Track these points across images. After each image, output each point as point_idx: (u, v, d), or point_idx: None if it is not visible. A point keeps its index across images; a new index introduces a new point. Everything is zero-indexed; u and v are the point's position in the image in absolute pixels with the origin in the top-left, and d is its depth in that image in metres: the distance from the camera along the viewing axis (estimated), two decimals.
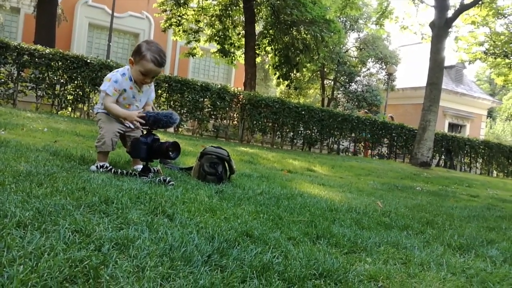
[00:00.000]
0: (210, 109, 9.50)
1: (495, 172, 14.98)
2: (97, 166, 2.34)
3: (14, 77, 7.63)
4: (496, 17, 13.41)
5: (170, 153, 2.36)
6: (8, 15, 17.01)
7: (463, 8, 10.36)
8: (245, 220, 1.60)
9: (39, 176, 1.81)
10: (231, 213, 1.71)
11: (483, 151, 14.50)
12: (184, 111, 9.12)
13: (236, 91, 9.83)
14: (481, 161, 14.71)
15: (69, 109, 8.22)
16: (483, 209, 3.39)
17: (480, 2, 10.81)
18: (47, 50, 7.68)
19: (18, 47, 7.47)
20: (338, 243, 1.55)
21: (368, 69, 24.61)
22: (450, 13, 10.19)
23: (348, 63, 22.25)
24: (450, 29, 10.75)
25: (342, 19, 21.57)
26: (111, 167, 2.36)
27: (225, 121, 9.99)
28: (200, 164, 2.69)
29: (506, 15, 13.62)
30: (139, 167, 2.52)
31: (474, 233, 2.13)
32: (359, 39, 24.49)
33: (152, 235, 1.23)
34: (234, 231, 1.41)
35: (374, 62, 24.20)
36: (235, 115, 10.06)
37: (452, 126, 24.67)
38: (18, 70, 7.62)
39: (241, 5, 14.43)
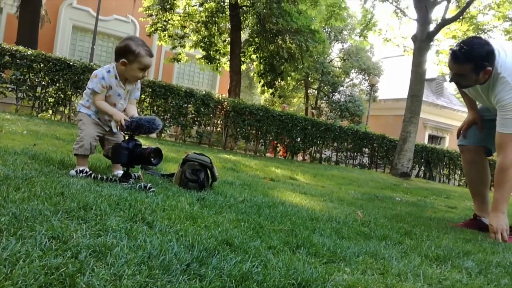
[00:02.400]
0: (193, 115, 9.47)
1: None
2: (76, 171, 2.30)
3: None
4: (476, 32, 13.77)
5: (152, 159, 2.35)
6: None
7: (444, 22, 10.62)
8: (226, 229, 1.60)
9: (16, 180, 1.78)
10: (212, 221, 1.70)
11: (461, 162, 14.78)
12: (168, 117, 9.07)
13: (220, 98, 9.84)
14: (459, 172, 14.99)
15: (50, 111, 8.08)
16: (460, 221, 3.45)
17: (461, 17, 11.08)
18: (29, 52, 7.56)
19: None
20: (317, 253, 1.56)
21: (351, 79, 24.95)
22: (432, 27, 10.44)
23: (332, 73, 22.50)
24: (431, 43, 11.00)
25: (326, 29, 21.85)
26: (91, 172, 2.33)
27: (208, 127, 9.97)
28: (182, 170, 2.67)
29: (486, 31, 14.01)
30: (120, 172, 2.50)
31: (451, 244, 2.16)
32: (343, 50, 24.83)
33: (131, 242, 1.22)
34: (214, 239, 1.41)
35: (357, 73, 24.55)
36: (218, 121, 10.05)
37: (432, 138, 25.12)
38: None
39: (228, 13, 14.49)
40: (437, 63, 15.95)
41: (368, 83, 23.01)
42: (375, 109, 23.60)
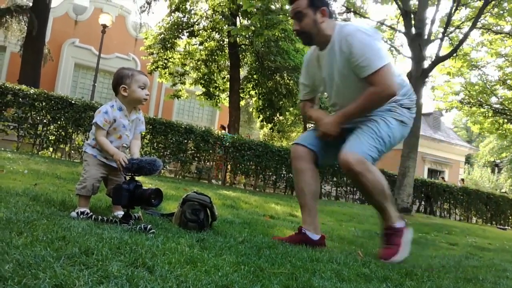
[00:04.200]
0: (193, 151, 9.54)
1: (474, 218, 15.18)
2: (77, 213, 2.32)
3: None
4: (470, 69, 14.09)
5: (153, 200, 2.36)
6: None
7: (438, 60, 10.87)
8: (226, 273, 1.60)
9: (19, 224, 1.79)
10: (212, 264, 1.71)
11: (461, 197, 14.74)
12: (167, 153, 9.13)
13: (220, 134, 9.93)
14: (460, 207, 14.93)
15: (51, 149, 8.14)
16: (462, 258, 3.43)
17: (454, 55, 11.37)
18: (32, 90, 7.70)
19: (2, 86, 7.48)
20: None
21: None
22: (426, 64, 10.68)
23: (329, 108, 22.75)
24: (426, 79, 11.23)
25: None
26: (91, 213, 2.35)
27: (208, 163, 10.01)
28: (182, 210, 2.68)
29: (479, 67, 14.35)
30: (120, 213, 2.51)
31: (452, 285, 2.16)
32: None
33: None
34: (215, 285, 1.42)
35: None
36: (218, 157, 10.10)
37: (431, 172, 25.13)
38: (1, 110, 7.58)
39: (227, 51, 14.86)
40: (433, 98, 16.20)
41: None
42: None
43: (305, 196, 2.83)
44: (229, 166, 9.93)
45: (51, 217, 2.09)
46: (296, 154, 2.80)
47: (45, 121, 7.91)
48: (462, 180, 20.46)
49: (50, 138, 8.05)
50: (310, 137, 2.79)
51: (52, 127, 8.02)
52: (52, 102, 7.80)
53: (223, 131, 12.25)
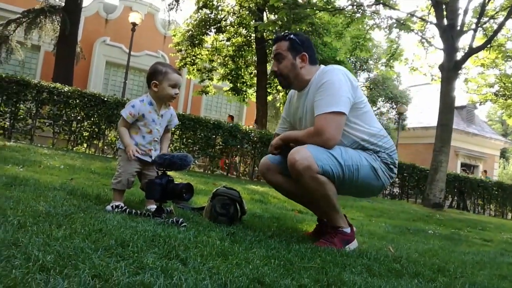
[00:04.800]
0: (221, 147, 9.62)
1: (510, 214, 14.69)
2: (112, 206, 2.40)
3: (32, 114, 7.87)
4: (505, 60, 13.57)
5: (184, 194, 2.41)
6: (29, 52, 17.68)
7: (472, 51, 10.54)
8: (256, 266, 1.63)
9: (57, 217, 1.87)
10: (243, 257, 1.73)
11: (496, 192, 14.28)
12: (196, 148, 9.25)
13: (247, 129, 9.98)
14: (494, 203, 14.46)
15: (85, 145, 8.40)
16: (496, 255, 3.34)
17: (488, 46, 10.98)
18: (66, 88, 7.95)
19: (38, 85, 7.76)
20: None
21: (379, 108, 24.82)
22: (459, 55, 10.37)
23: None
24: (459, 71, 10.91)
25: (352, 59, 21.98)
26: (125, 207, 2.42)
27: (236, 158, 10.08)
28: (212, 205, 2.73)
29: None
30: (153, 207, 2.57)
31: (486, 281, 2.11)
32: (369, 79, 24.86)
33: (167, 281, 1.27)
34: (246, 277, 1.44)
35: (385, 102, 24.43)
36: (246, 152, 10.15)
37: (464, 166, 24.44)
38: (37, 107, 7.87)
39: (254, 46, 14.86)
40: (466, 91, 15.70)
41: (396, 112, 22.82)
42: (404, 137, 23.26)
43: (301, 198, 2.85)
44: (257, 161, 9.95)
45: (87, 211, 2.17)
46: (261, 168, 2.82)
47: (79, 117, 8.16)
48: (485, 171, 19.65)
49: (84, 134, 8.30)
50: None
51: (85, 123, 8.27)
52: (86, 99, 8.04)
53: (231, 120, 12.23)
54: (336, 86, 2.36)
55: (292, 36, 2.58)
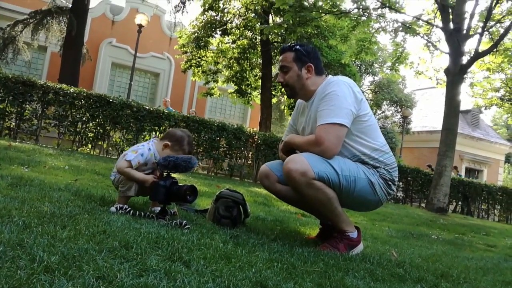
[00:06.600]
0: (225, 149, 9.63)
1: None
2: (116, 208, 2.41)
3: (38, 114, 7.92)
4: (511, 64, 13.52)
5: (188, 196, 2.43)
6: (35, 53, 17.78)
7: (477, 55, 10.50)
8: (259, 269, 1.63)
9: (62, 218, 1.89)
10: (246, 260, 1.74)
11: (501, 197, 14.19)
12: (200, 150, 9.26)
13: (251, 132, 9.98)
14: (499, 207, 14.37)
15: (89, 146, 8.43)
16: (500, 261, 3.33)
17: (494, 50, 10.93)
18: (72, 89, 7.98)
19: (44, 85, 7.79)
20: None
21: (383, 111, 24.76)
22: (465, 59, 10.33)
23: None
24: (465, 75, 10.87)
25: (357, 62, 21.97)
26: (129, 208, 2.43)
27: (240, 160, 10.09)
28: (215, 207, 2.74)
29: None
30: (157, 209, 2.59)
31: (490, 287, 2.10)
32: (374, 82, 24.82)
33: (170, 283, 1.28)
34: (249, 280, 1.45)
35: (389, 105, 24.36)
36: (249, 154, 10.16)
37: (469, 171, 24.32)
38: (43, 108, 7.92)
39: (259, 49, 14.88)
40: (471, 95, 15.64)
41: (401, 115, 22.76)
42: (409, 141, 23.20)
43: (302, 204, 2.82)
44: (260, 163, 9.95)
45: (92, 212, 2.19)
46: (261, 176, 2.79)
47: (84, 118, 8.19)
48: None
49: (89, 135, 8.33)
50: (275, 163, 2.78)
51: (91, 124, 8.29)
52: (91, 100, 8.07)
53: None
54: (340, 98, 2.37)
55: (297, 47, 2.59)
